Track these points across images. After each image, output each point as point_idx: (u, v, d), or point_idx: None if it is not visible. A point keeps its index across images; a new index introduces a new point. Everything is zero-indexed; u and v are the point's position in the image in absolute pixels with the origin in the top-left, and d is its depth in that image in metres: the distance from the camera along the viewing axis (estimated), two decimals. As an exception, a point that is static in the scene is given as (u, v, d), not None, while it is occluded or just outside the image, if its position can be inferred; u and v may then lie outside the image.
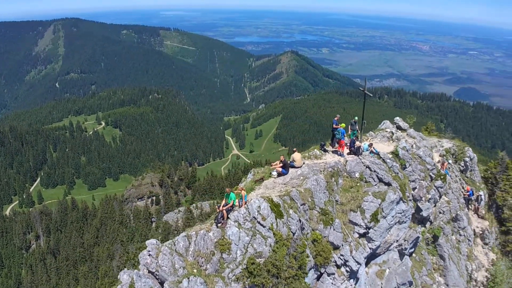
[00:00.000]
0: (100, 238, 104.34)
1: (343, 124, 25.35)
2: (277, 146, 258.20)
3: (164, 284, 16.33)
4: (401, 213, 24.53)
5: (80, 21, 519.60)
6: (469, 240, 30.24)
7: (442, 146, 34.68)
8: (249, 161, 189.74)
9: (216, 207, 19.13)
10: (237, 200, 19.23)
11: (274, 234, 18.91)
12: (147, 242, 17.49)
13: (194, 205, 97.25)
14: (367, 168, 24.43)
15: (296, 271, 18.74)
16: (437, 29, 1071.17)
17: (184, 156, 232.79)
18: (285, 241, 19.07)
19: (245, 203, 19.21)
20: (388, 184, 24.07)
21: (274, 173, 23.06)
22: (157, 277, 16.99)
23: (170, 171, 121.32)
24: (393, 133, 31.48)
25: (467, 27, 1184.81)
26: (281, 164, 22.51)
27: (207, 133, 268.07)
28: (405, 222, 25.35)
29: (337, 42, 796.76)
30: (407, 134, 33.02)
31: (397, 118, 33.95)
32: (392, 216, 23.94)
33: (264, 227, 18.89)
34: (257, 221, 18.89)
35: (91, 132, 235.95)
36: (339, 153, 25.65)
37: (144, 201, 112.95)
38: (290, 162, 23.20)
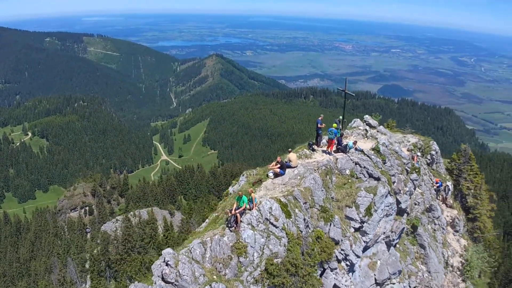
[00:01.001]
0: (36, 252, 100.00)
1: (335, 124, 26.48)
2: (206, 150, 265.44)
3: (185, 294, 16.23)
4: (388, 206, 26.16)
5: (2, 30, 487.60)
6: (443, 228, 32.77)
7: (409, 141, 37.16)
8: (180, 167, 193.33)
9: (228, 211, 19.29)
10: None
11: (286, 234, 19.50)
12: (164, 251, 17.27)
13: (132, 213, 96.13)
14: (356, 165, 25.78)
15: (310, 268, 19.42)
16: (359, 28, 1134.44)
17: (113, 164, 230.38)
18: (297, 239, 19.71)
19: (255, 205, 19.55)
20: (377, 179, 25.58)
21: (271, 174, 23.62)
22: (176, 287, 16.83)
23: (102, 180, 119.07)
24: (367, 131, 33.28)
25: (389, 26, 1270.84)
26: (278, 165, 23.10)
27: (135, 140, 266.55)
28: (391, 215, 27.03)
29: (261, 44, 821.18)
30: (377, 131, 35.05)
31: (367, 116, 35.97)
32: (382, 209, 25.48)
33: (277, 227, 19.40)
34: (270, 222, 19.37)
35: (18, 144, 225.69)
36: (327, 151, 26.73)
37: (78, 211, 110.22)
38: (286, 162, 23.84)
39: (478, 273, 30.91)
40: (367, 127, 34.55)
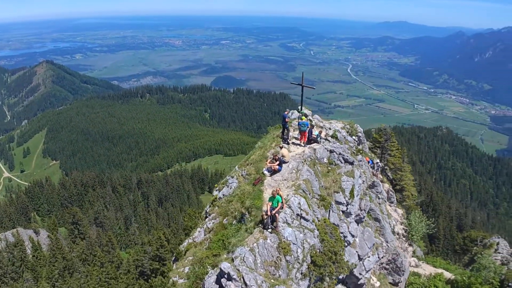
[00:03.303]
0: None
1: (304, 117, 28.34)
2: (48, 161, 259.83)
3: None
4: (359, 186, 29.27)
5: None
6: (385, 201, 37.58)
7: (337, 126, 41.22)
8: (25, 183, 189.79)
9: (264, 213, 19.53)
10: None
11: (316, 225, 20.75)
12: (223, 266, 16.97)
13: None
14: (332, 153, 28.24)
15: (342, 253, 21.11)
16: (188, 23, 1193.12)
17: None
18: (323, 229, 21.15)
19: (284, 203, 20.28)
20: (351, 163, 28.50)
21: (266, 171, 24.40)
22: (241, 300, 16.81)
23: None
24: (311, 120, 36.02)
25: (216, 19, 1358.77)
26: (278, 162, 24.03)
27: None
28: (359, 194, 30.23)
29: (90, 47, 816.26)
30: (310, 120, 38.18)
31: (305, 107, 38.72)
32: (357, 190, 28.45)
33: (307, 221, 20.61)
34: (301, 217, 20.47)
35: None
36: (301, 144, 28.50)
37: None
38: (280, 158, 24.88)
39: (420, 236, 36.54)
40: (310, 117, 37.33)
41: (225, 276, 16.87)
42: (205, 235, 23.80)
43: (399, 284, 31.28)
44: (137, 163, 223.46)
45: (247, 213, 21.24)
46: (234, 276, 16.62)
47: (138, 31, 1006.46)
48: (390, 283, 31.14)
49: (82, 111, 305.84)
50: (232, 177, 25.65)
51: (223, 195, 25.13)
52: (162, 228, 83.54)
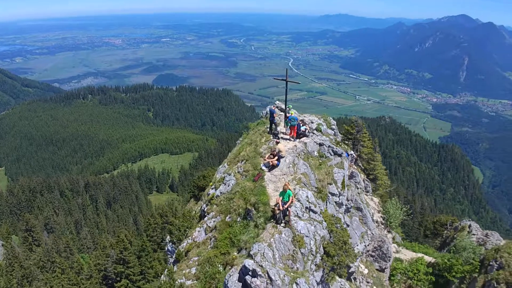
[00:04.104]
0: None
1: (293, 112, 29.08)
2: None
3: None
4: (346, 177, 30.55)
5: None
6: (363, 191, 39.27)
7: (313, 120, 42.45)
8: None
9: (276, 208, 20.05)
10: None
11: (323, 217, 21.63)
12: (248, 263, 17.35)
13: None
14: (321, 146, 29.22)
15: (350, 242, 22.13)
16: (128, 22, 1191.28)
17: None
18: (330, 220, 22.08)
19: (293, 197, 20.95)
20: (340, 155, 29.63)
21: (264, 167, 24.92)
22: (266, 296, 17.32)
23: None
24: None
25: (157, 17, 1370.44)
26: (276, 157, 24.61)
27: None
28: (347, 185, 31.56)
29: (30, 49, 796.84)
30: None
31: (278, 101, 39.56)
32: (346, 181, 29.72)
33: (315, 213, 21.47)
34: (310, 210, 21.28)
35: None
36: (291, 138, 29.25)
37: None
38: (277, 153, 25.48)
39: (398, 223, 38.58)
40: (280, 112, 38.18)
41: (250, 273, 17.28)
42: (206, 234, 23.98)
43: (385, 270, 32.99)
44: (83, 166, 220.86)
45: (253, 209, 21.64)
46: (259, 272, 17.08)
47: (78, 31, 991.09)
48: (376, 269, 32.76)
49: (24, 115, 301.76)
50: (229, 174, 25.90)
51: (221, 192, 25.35)
52: (122, 230, 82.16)
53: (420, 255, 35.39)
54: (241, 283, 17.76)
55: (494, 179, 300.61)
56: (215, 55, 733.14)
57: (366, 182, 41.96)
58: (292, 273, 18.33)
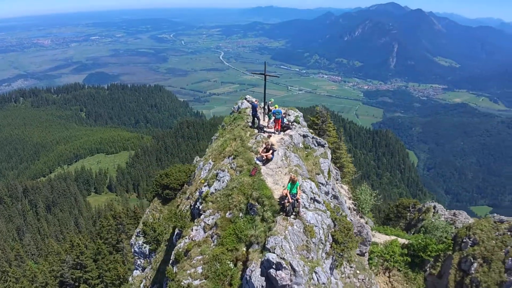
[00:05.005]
0: None
1: (276, 105, 29.74)
2: None
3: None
4: (329, 165, 31.84)
5: None
6: (335, 180, 40.87)
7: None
8: None
9: (285, 201, 20.60)
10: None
11: (326, 206, 22.59)
12: (271, 257, 17.87)
13: None
14: (305, 137, 30.18)
15: (352, 229, 23.27)
16: (57, 21, 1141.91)
17: None
18: (331, 209, 23.09)
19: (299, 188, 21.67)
20: (323, 146, 30.77)
21: (258, 161, 25.39)
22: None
23: None
24: (264, 109, 37.62)
25: (86, 15, 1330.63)
26: (271, 151, 25.14)
27: None
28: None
29: None
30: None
31: (248, 96, 40.07)
32: (331, 170, 30.98)
33: (319, 203, 22.40)
34: (315, 200, 22.16)
35: None
36: (276, 131, 29.89)
37: None
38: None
39: (369, 208, 40.58)
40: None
41: (273, 266, 17.79)
42: (205, 232, 24.02)
43: (365, 254, 34.77)
44: (19, 171, 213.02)
45: (257, 203, 22.06)
46: (284, 265, 17.65)
47: (7, 33, 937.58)
48: (357, 254, 34.45)
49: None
50: (223, 170, 26.00)
51: (216, 189, 25.40)
52: (73, 235, 79.90)
53: (393, 237, 37.57)
54: (263, 277, 18.22)
55: (428, 162, 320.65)
56: (145, 51, 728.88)
57: (335, 170, 43.64)
58: (309, 263, 19.08)
